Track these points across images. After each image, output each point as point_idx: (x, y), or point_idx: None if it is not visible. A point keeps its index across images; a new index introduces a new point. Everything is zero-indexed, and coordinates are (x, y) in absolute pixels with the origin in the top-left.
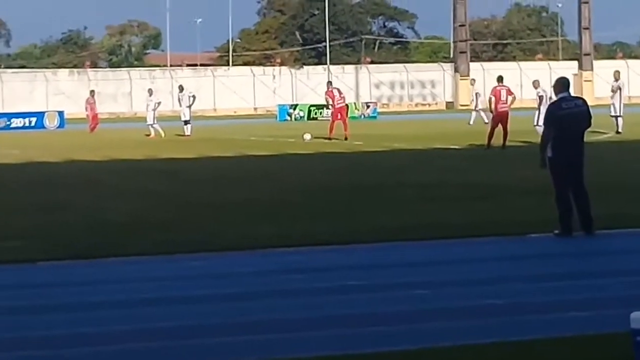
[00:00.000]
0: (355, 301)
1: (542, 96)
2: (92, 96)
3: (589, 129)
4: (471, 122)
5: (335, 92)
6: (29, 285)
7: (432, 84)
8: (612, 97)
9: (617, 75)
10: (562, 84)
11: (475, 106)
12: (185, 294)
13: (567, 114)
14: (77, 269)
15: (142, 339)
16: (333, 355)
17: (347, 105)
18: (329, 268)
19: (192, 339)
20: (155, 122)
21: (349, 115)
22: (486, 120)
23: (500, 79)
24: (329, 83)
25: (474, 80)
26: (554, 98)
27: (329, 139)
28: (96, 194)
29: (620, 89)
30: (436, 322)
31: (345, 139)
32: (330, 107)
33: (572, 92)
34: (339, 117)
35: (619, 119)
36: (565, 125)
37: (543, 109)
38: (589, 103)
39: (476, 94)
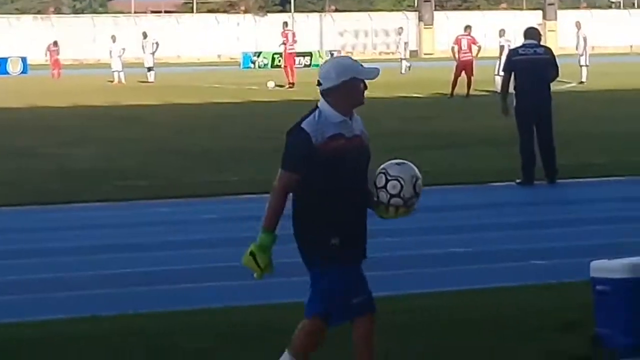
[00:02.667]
0: None
1: (502, 46)
2: (55, 44)
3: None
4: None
5: (290, 36)
6: None
7: (396, 32)
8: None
9: (578, 26)
10: (527, 33)
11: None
12: (148, 240)
13: (523, 59)
14: (39, 215)
15: (103, 285)
16: (299, 302)
17: (295, 53)
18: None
19: (154, 285)
20: (122, 68)
21: (312, 63)
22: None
23: (467, 28)
24: (285, 23)
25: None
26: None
27: (291, 84)
28: (60, 141)
29: (584, 39)
30: (399, 269)
31: (289, 85)
32: (282, 45)
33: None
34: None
35: (584, 68)
36: (522, 71)
37: (504, 59)
38: (554, 53)
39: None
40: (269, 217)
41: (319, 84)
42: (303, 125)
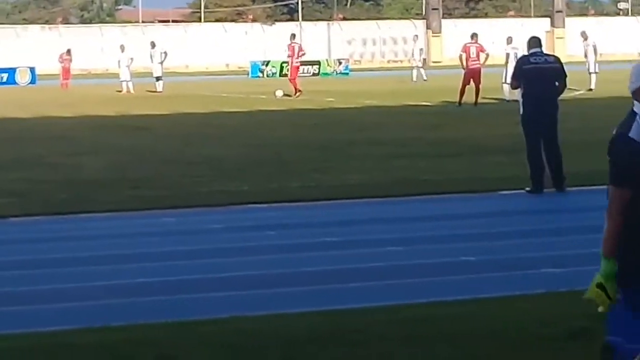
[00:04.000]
0: (328, 258)
1: (508, 54)
2: (68, 53)
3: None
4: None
5: (296, 48)
6: (2, 241)
7: (404, 40)
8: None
9: (584, 36)
10: (532, 42)
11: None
12: (157, 250)
13: (534, 68)
14: (50, 225)
15: (114, 295)
16: (306, 312)
17: (301, 63)
18: (301, 225)
19: (164, 295)
20: (130, 78)
21: (321, 71)
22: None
23: (474, 35)
24: (292, 35)
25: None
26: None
27: (299, 92)
28: (68, 150)
29: (594, 47)
30: (410, 278)
31: (297, 93)
32: (288, 58)
33: (545, 49)
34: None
35: (593, 75)
36: (532, 79)
37: (511, 67)
38: (562, 60)
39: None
40: (609, 244)
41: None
42: (631, 134)
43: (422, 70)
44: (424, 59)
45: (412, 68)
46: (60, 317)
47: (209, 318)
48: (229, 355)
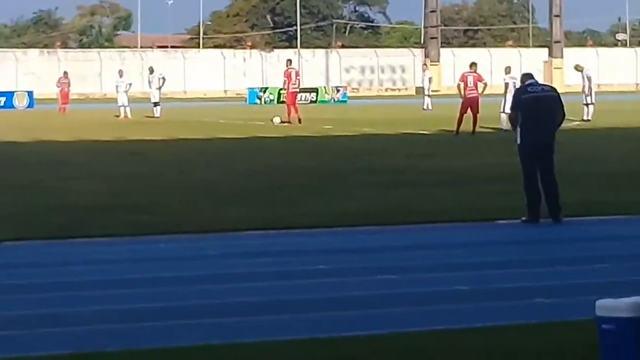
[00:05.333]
0: (322, 285)
1: (507, 83)
2: (66, 76)
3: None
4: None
5: (292, 75)
6: None
7: (402, 69)
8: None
9: (579, 68)
10: (526, 76)
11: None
12: (152, 276)
13: (532, 97)
14: (45, 249)
15: (108, 320)
16: (300, 340)
17: (299, 90)
18: (296, 252)
19: (158, 321)
20: (128, 103)
21: (318, 99)
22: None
23: (472, 65)
24: (289, 61)
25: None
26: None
27: (299, 120)
28: (64, 175)
29: (589, 78)
30: (403, 307)
31: (295, 118)
32: (284, 84)
33: (543, 79)
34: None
35: (590, 106)
36: (531, 109)
37: (509, 96)
38: (559, 90)
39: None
40: None
41: None
42: None
43: (428, 99)
44: (416, 88)
45: (423, 96)
46: (55, 342)
47: (202, 344)
48: None
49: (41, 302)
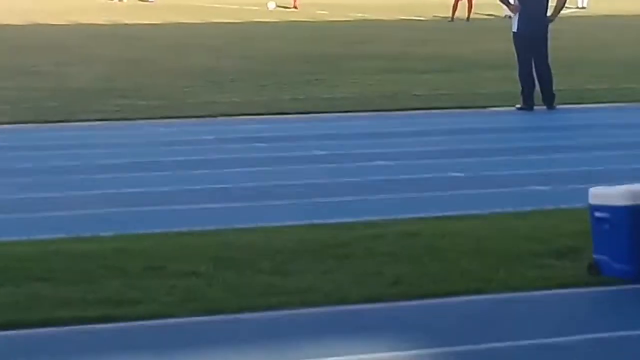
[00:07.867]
0: (317, 171)
1: None
2: None
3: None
4: None
5: None
6: None
7: None
8: None
9: None
10: None
11: None
12: (146, 160)
13: None
14: (39, 133)
15: (101, 204)
16: (295, 225)
17: None
18: (291, 137)
19: (153, 205)
20: None
21: None
22: None
23: None
24: None
25: None
26: None
27: (295, 7)
28: (59, 59)
29: None
30: (398, 193)
31: (295, 8)
32: None
33: None
34: None
35: None
36: None
37: None
38: None
39: None
40: None
41: None
42: None
43: None
44: None
45: None
46: (49, 227)
47: (198, 229)
48: (220, 266)
49: (35, 186)
